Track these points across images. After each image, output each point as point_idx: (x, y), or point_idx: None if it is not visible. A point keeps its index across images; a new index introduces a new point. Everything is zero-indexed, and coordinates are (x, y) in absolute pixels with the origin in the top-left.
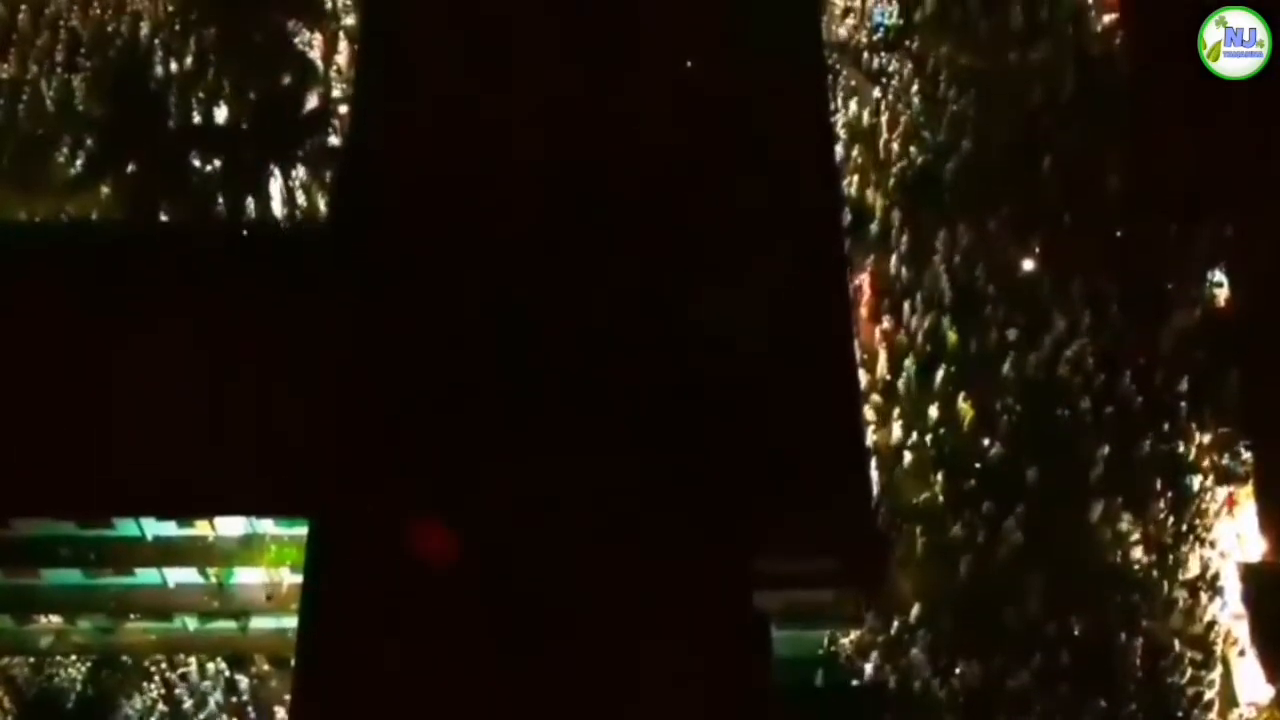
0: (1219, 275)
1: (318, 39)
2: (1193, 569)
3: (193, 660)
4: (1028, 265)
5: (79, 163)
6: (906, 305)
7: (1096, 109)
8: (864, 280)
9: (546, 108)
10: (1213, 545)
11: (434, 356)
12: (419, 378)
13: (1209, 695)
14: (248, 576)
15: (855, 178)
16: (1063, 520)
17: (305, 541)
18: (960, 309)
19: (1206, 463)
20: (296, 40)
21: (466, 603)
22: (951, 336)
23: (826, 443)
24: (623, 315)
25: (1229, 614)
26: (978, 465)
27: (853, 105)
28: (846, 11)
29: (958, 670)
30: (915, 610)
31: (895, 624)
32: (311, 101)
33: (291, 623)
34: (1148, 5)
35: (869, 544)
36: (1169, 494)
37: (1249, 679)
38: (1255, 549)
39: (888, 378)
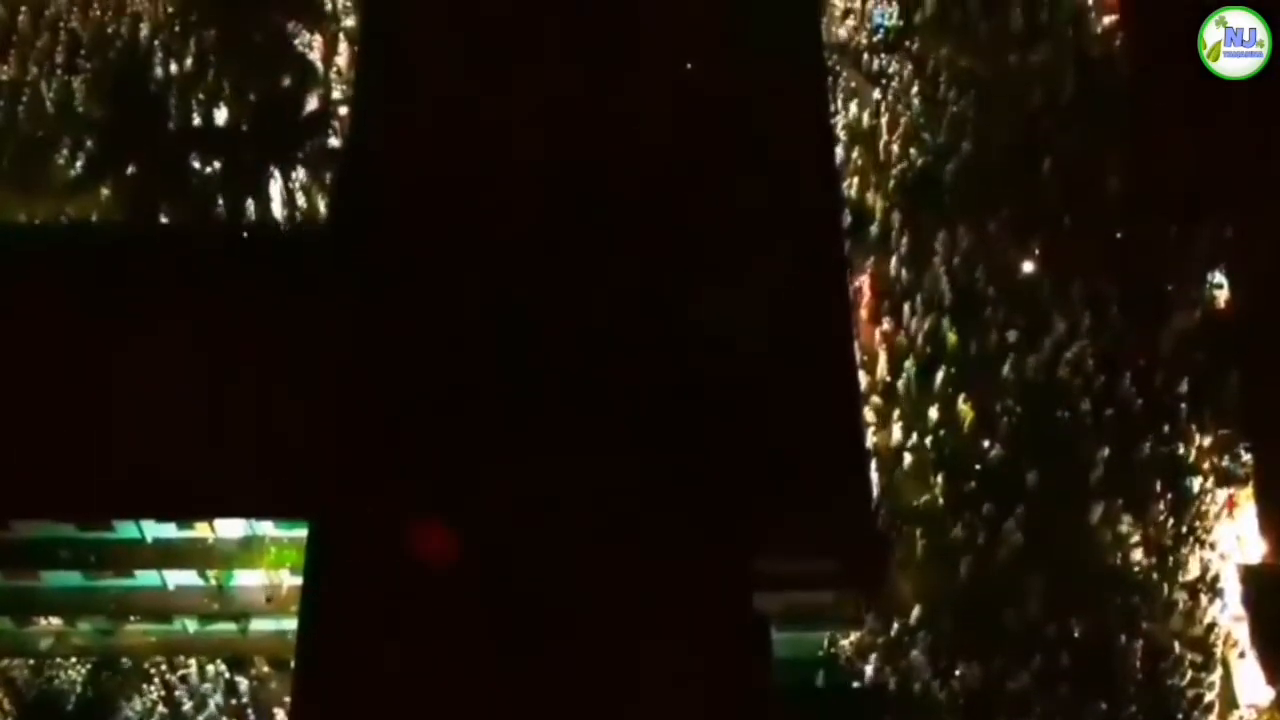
0: (1219, 277)
1: (318, 40)
2: (1193, 571)
3: (193, 662)
4: (1028, 267)
5: (79, 164)
6: (906, 307)
7: (1096, 111)
8: (864, 282)
9: (546, 108)
10: (1213, 547)
11: (434, 357)
12: (419, 379)
13: (1209, 697)
14: (247, 579)
15: (855, 179)
16: (1063, 522)
17: (305, 544)
18: (960, 311)
19: (1206, 465)
20: (296, 42)
21: (466, 604)
22: (951, 338)
23: (826, 444)
24: (623, 315)
25: (1229, 616)
26: (978, 467)
27: (853, 107)
28: (846, 13)
29: (958, 672)
30: (915, 612)
31: (895, 625)
32: (311, 103)
33: (291, 625)
34: (1148, 6)
35: (869, 545)
36: (1169, 496)
37: (1249, 681)
38: (1255, 551)
39: (888, 379)
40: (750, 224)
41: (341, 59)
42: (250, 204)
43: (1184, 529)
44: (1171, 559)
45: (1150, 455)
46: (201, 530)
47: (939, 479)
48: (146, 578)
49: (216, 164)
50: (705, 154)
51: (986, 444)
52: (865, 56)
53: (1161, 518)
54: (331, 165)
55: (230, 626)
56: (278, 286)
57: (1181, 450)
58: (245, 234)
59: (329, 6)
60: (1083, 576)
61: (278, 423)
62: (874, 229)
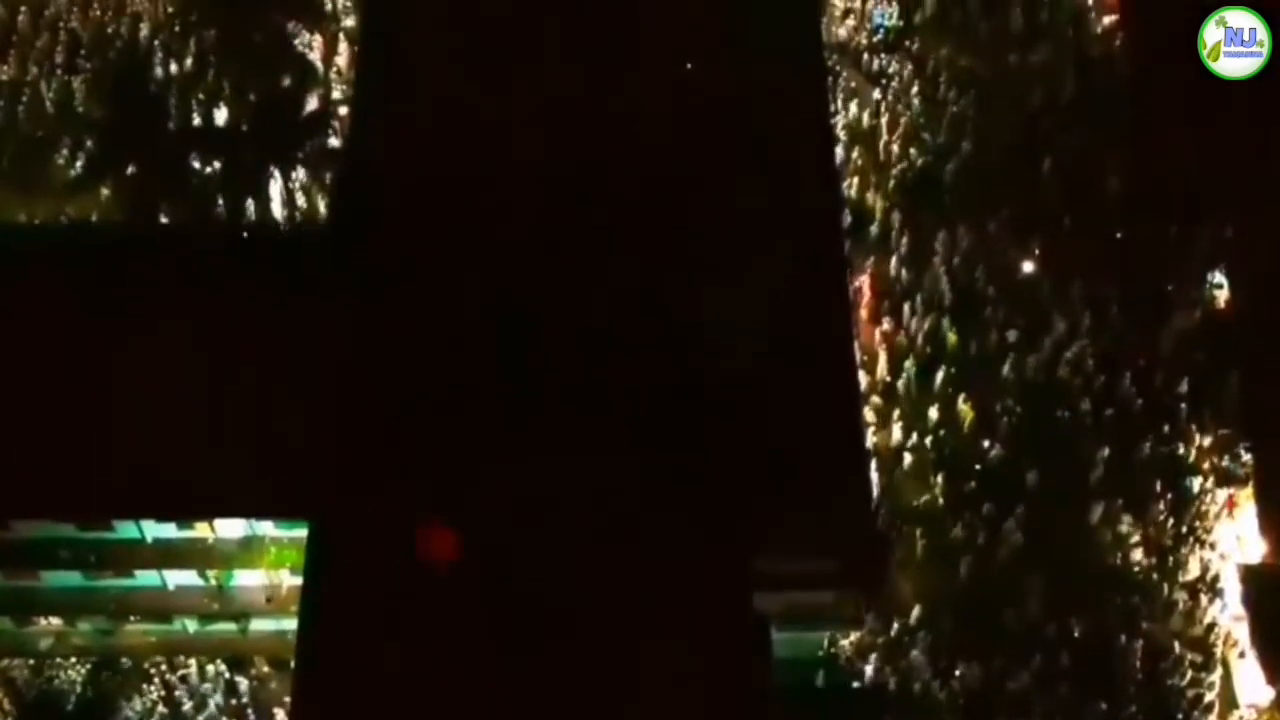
0: (1219, 277)
1: (318, 40)
2: (1193, 571)
3: (193, 662)
4: (1028, 267)
5: (79, 164)
6: (906, 307)
7: (1096, 111)
8: (864, 282)
9: (546, 108)
10: (1213, 547)
11: (434, 358)
12: (419, 379)
13: (1209, 697)
14: (247, 579)
15: (855, 179)
16: (1063, 522)
17: (305, 544)
18: (960, 311)
19: (1206, 465)
20: (296, 42)
21: (466, 604)
22: (951, 338)
23: (826, 444)
24: (623, 315)
25: (1229, 616)
26: (978, 467)
27: (853, 107)
28: (846, 13)
29: (958, 672)
30: (915, 612)
31: (895, 625)
32: (311, 103)
33: (291, 625)
34: (1147, 6)
35: (869, 546)
36: (1169, 496)
37: (1249, 681)
38: (1255, 551)
39: (888, 379)
40: (750, 224)
41: (341, 59)
42: (250, 204)
43: (1184, 529)
44: (1171, 559)
45: (1150, 455)
46: (201, 530)
47: (939, 479)
48: (146, 578)
49: (216, 164)
50: (705, 154)
51: (986, 444)
52: (865, 56)
53: (1161, 518)
54: (331, 165)
55: (230, 626)
56: (278, 287)
57: (1181, 450)
58: (245, 234)
59: (329, 6)
60: (1083, 576)
61: (278, 423)
62: (874, 229)
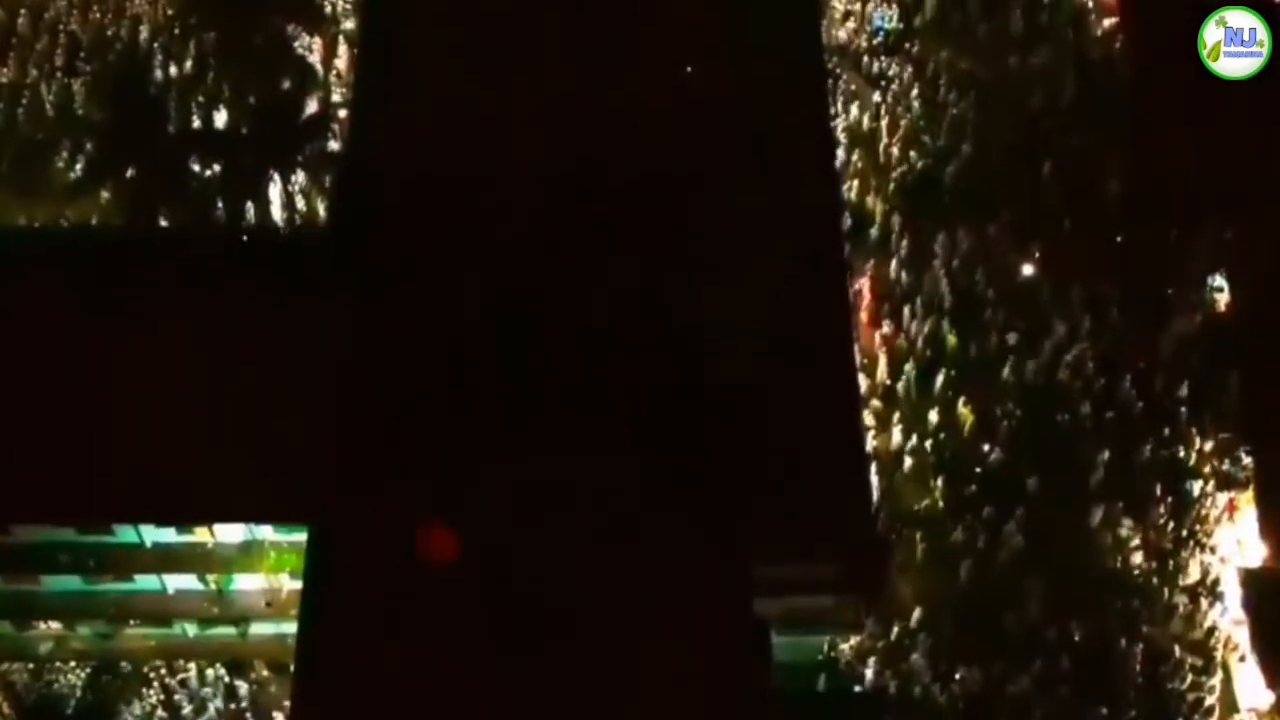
0: (1219, 280)
1: (318, 43)
2: (1193, 574)
3: (192, 666)
4: (1028, 270)
5: (78, 167)
6: (906, 310)
7: (1096, 113)
8: (864, 284)
9: (546, 107)
10: (1213, 550)
11: (434, 358)
12: (419, 380)
13: (1209, 701)
14: (247, 583)
15: (855, 182)
16: (1063, 525)
17: (304, 548)
18: (960, 314)
19: (1207, 468)
20: (296, 45)
21: (466, 607)
22: (951, 341)
23: (826, 447)
24: (623, 315)
25: (1229, 619)
26: (978, 470)
27: (853, 109)
28: (846, 15)
29: (958, 675)
30: (915, 615)
31: (895, 629)
32: (311, 106)
33: (291, 628)
34: (1148, 6)
35: (869, 549)
36: (1169, 499)
37: (1249, 685)
38: (1256, 554)
39: (888, 382)
40: (750, 227)
41: (341, 62)
42: (250, 207)
43: (1184, 532)
44: (1172, 562)
45: (1150, 459)
46: (201, 534)
47: (939, 482)
48: (146, 582)
49: (216, 167)
50: (705, 157)
51: (986, 447)
52: (865, 59)
53: (1162, 521)
54: (331, 168)
55: (230, 630)
56: (277, 290)
57: (1182, 454)
58: (245, 237)
59: (329, 9)
60: (1083, 580)
61: (277, 427)
62: (874, 231)
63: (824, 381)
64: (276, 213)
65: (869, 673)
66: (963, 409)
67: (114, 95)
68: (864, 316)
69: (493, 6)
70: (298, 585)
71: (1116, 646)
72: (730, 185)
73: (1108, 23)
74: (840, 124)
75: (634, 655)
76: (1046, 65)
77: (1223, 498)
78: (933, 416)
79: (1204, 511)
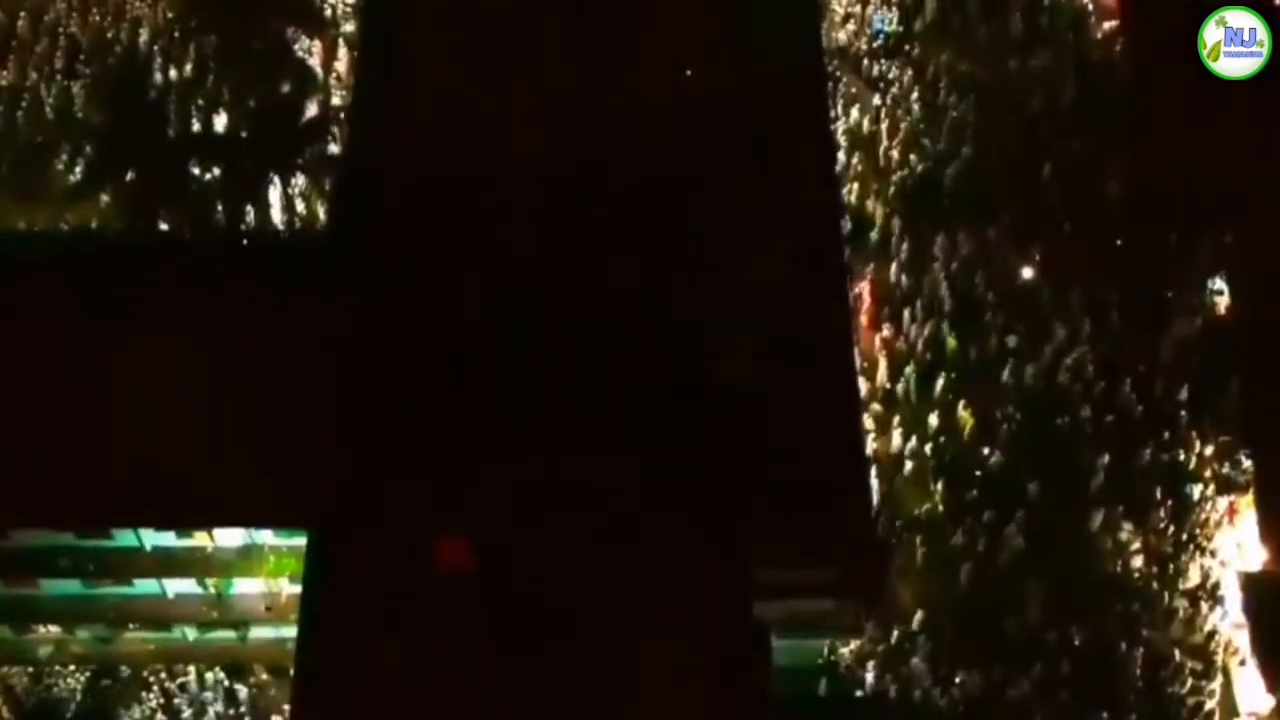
0: (1219, 283)
1: (317, 46)
2: (1193, 578)
3: (192, 670)
4: (1028, 273)
5: (78, 170)
6: (906, 313)
7: (1097, 116)
8: (864, 288)
9: (546, 107)
10: (1213, 554)
11: (434, 359)
12: (419, 381)
13: (1209, 705)
14: (246, 587)
15: (855, 185)
16: (1063, 529)
17: (304, 552)
18: (960, 317)
19: (1207, 472)
20: (296, 48)
21: (466, 608)
22: (951, 344)
23: (826, 451)
24: (623, 314)
25: (1229, 623)
26: (978, 474)
27: (853, 112)
28: (846, 18)
29: (958, 679)
30: (916, 619)
31: (895, 633)
32: (311, 109)
33: (290, 632)
34: (1148, 7)
35: (869, 553)
36: (1169, 503)
37: (1249, 689)
38: (1256, 558)
39: (888, 386)
40: (750, 229)
41: (341, 64)
42: (250, 210)
43: (1184, 536)
44: (1172, 566)
45: (1150, 462)
46: (200, 538)
47: (939, 486)
48: (145, 586)
49: (216, 170)
50: (705, 159)
51: (986, 451)
52: (865, 62)
53: (1162, 525)
54: (331, 171)
55: (229, 634)
56: (277, 293)
57: (1182, 457)
58: (245, 241)
59: (328, 12)
60: (1083, 584)
61: (277, 432)
62: (874, 234)
63: (824, 384)
64: (276, 216)
65: (869, 676)
66: (963, 412)
67: (114, 98)
68: (864, 319)
69: (492, 9)
70: (297, 589)
71: (1116, 650)
72: (730, 187)
73: (1108, 25)
74: (840, 127)
75: (634, 655)
76: (1046, 68)
77: (1223, 501)
78: (933, 420)
79: (1204, 515)
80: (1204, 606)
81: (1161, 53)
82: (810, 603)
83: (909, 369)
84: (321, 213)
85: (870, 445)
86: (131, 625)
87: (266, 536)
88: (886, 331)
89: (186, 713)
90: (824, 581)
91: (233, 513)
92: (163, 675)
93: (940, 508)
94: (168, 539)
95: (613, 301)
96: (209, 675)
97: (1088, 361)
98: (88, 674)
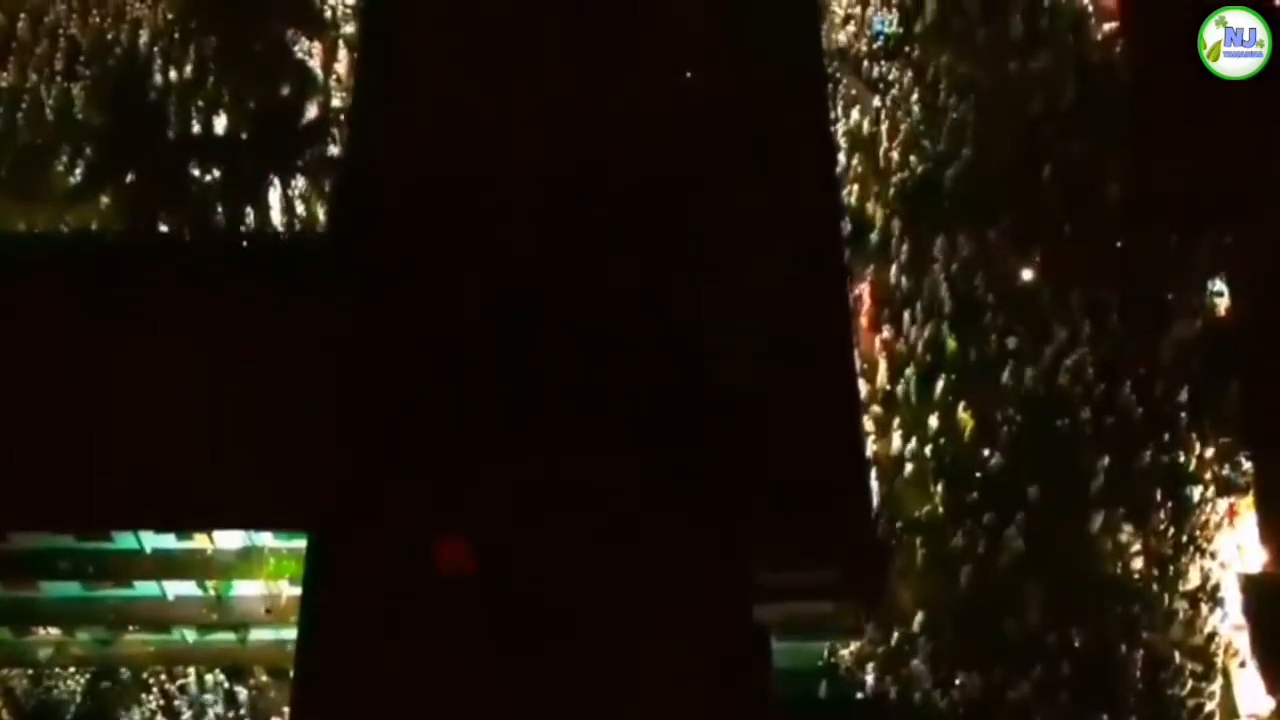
0: (1219, 284)
1: (317, 48)
2: (1193, 580)
3: (191, 672)
4: (1028, 274)
5: (78, 172)
6: (906, 314)
7: (1097, 117)
8: (864, 289)
9: (546, 108)
10: (1213, 556)
11: (434, 360)
12: (419, 382)
13: (1209, 707)
14: (246, 589)
15: (855, 186)
16: (1063, 531)
17: (304, 555)
18: (960, 319)
19: (1207, 473)
20: (296, 49)
21: (466, 609)
22: (951, 346)
23: (826, 453)
24: (623, 315)
25: (1230, 625)
26: (978, 475)
27: (853, 114)
28: (846, 19)
29: (958, 681)
30: (916, 621)
31: (896, 635)
32: (311, 111)
33: (290, 634)
34: (1148, 8)
35: (869, 555)
36: (1169, 505)
37: (1249, 691)
38: (1256, 560)
39: (888, 387)
40: (750, 231)
41: (341, 66)
42: (250, 212)
43: (1184, 538)
44: (1172, 568)
45: (1150, 464)
46: (200, 540)
47: (939, 487)
48: (145, 588)
49: (216, 172)
50: (705, 161)
51: (987, 452)
52: (865, 63)
53: (1162, 527)
54: (331, 173)
55: (229, 636)
56: (277, 295)
57: (1182, 459)
58: (245, 242)
59: (328, 14)
60: (1083, 586)
61: (277, 434)
62: (874, 236)
63: (824, 386)
64: (276, 218)
65: (869, 678)
66: (963, 414)
67: (114, 100)
68: (864, 321)
69: (492, 10)
70: (297, 592)
71: (1117, 652)
72: (730, 189)
73: (1108, 27)
74: (840, 128)
75: (634, 657)
76: (1046, 70)
77: (1223, 503)
78: (933, 421)
79: (1204, 517)
80: (1204, 608)
81: (1161, 53)
82: (810, 605)
83: (909, 371)
84: (321, 214)
85: (870, 447)
86: (131, 627)
87: (266, 539)
88: (886, 333)
89: (186, 715)
90: (824, 583)
91: (232, 515)
92: (163, 677)
93: (940, 509)
94: (167, 541)
95: (613, 303)
96: (209, 677)
97: (1088, 363)
98: (88, 676)
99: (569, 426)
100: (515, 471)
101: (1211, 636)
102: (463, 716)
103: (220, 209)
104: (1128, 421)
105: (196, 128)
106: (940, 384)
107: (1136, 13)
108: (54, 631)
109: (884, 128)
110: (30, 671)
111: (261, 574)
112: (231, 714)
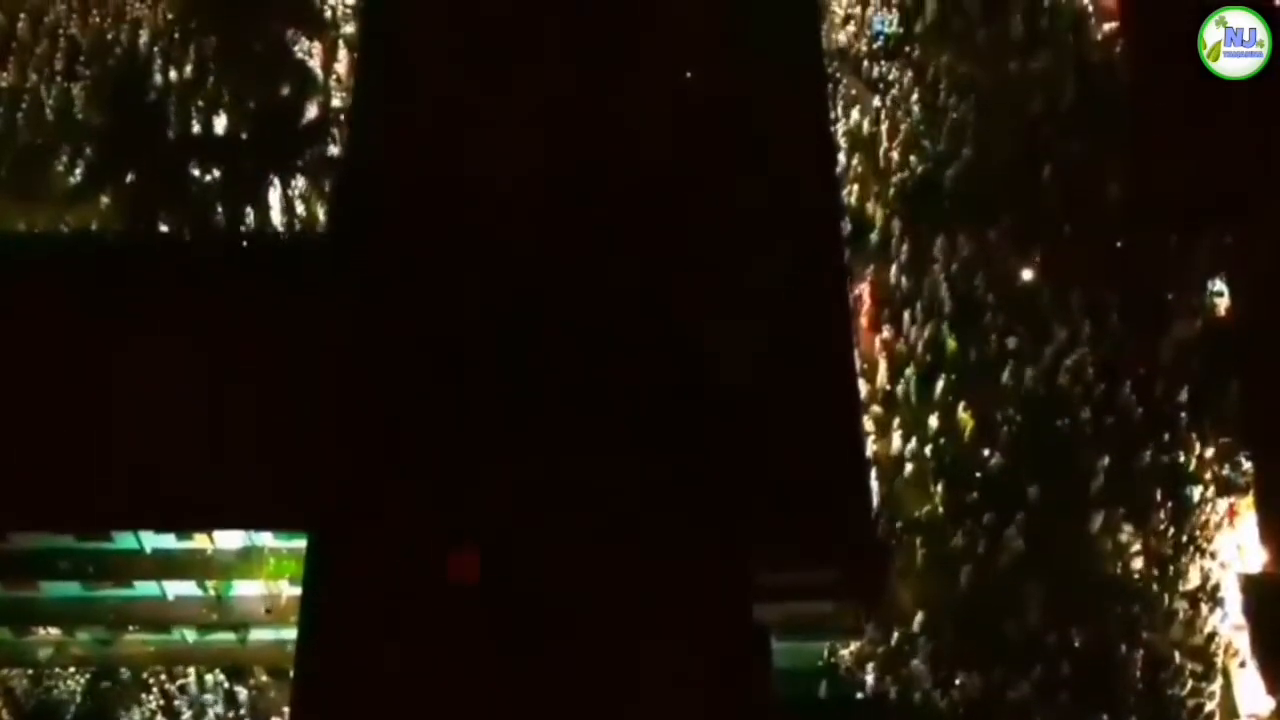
0: (1219, 284)
1: (317, 48)
2: (1193, 580)
3: (191, 672)
4: (1028, 275)
5: (78, 172)
6: (906, 314)
7: (1097, 117)
8: (864, 289)
9: (546, 109)
10: (1213, 556)
11: (434, 360)
12: (419, 383)
13: (1209, 707)
14: (246, 589)
15: (855, 186)
16: (1063, 531)
17: (304, 555)
18: (960, 318)
19: (1207, 473)
20: (296, 49)
21: (466, 610)
22: (951, 346)
23: (826, 453)
24: (623, 315)
25: (1229, 625)
26: (978, 475)
27: (853, 114)
28: (846, 19)
29: (958, 681)
30: (916, 621)
31: (896, 635)
32: (311, 111)
33: (290, 634)
34: (1148, 8)
35: (869, 555)
36: (1169, 505)
37: (1249, 691)
38: (1256, 560)
39: (888, 387)
40: (750, 231)
41: (341, 66)
42: (250, 212)
43: (1184, 538)
44: (1172, 568)
45: (1150, 464)
46: (200, 541)
47: (939, 487)
48: (145, 588)
49: (216, 172)
50: (705, 161)
51: (987, 452)
52: (865, 63)
53: (1162, 527)
54: (331, 173)
55: (229, 636)
56: (277, 295)
57: (1182, 459)
58: (245, 242)
59: (328, 14)
60: (1083, 586)
61: (277, 434)
62: (874, 236)
63: (824, 386)
64: (276, 218)
65: (869, 678)
66: (963, 414)
67: (114, 100)
68: (864, 321)
69: (493, 10)
70: (297, 592)
71: (1117, 652)
72: (730, 189)
73: (1108, 27)
74: (840, 128)
75: (634, 658)
76: (1046, 70)
77: (1223, 503)
78: (933, 421)
79: (1204, 517)
80: (1204, 608)
81: (1161, 53)
82: (811, 604)
83: (909, 371)
84: (321, 215)
85: (870, 447)
86: (131, 627)
87: (266, 539)
88: (886, 333)
89: (186, 715)
90: (824, 583)
91: (232, 515)
92: (163, 677)
93: (940, 509)
94: (168, 541)
95: (613, 304)
96: (209, 677)
97: (1088, 363)
98: (88, 676)
99: (569, 427)
100: (515, 471)
101: (1211, 636)
102: (463, 717)
103: (220, 209)
104: (1128, 421)
105: (196, 128)
106: (940, 384)
107: (1136, 13)
108: (54, 631)
109: (884, 128)
110: (30, 671)
111: (261, 574)
112: (231, 714)
